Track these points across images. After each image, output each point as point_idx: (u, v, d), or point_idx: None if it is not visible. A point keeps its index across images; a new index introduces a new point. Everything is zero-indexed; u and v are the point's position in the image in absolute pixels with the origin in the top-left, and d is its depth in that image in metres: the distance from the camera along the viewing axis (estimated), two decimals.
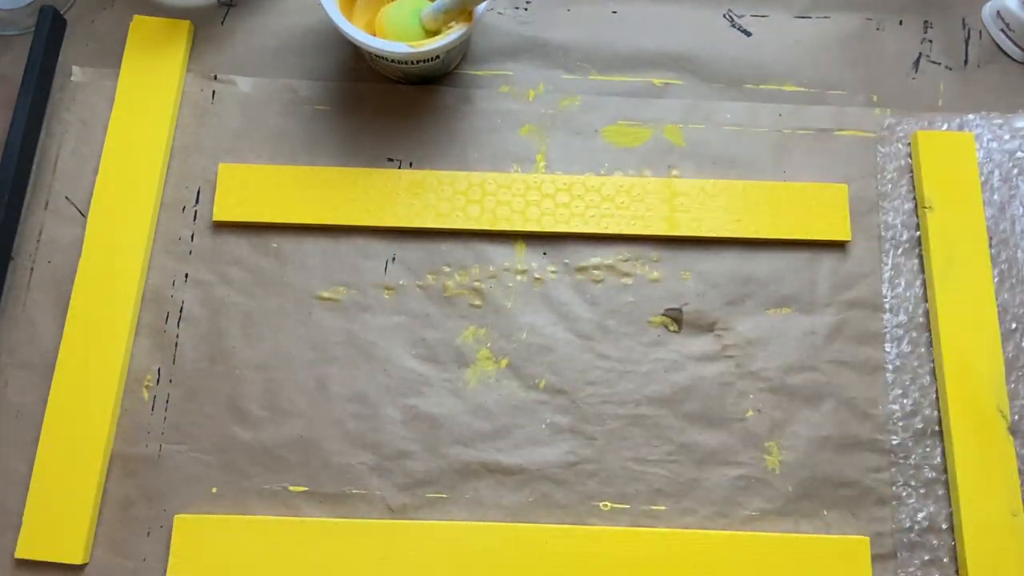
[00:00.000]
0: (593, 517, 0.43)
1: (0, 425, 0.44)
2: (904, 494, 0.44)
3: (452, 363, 0.45)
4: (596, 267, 0.47)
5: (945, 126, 0.50)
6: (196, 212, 0.47)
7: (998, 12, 0.51)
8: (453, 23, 0.45)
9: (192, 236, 0.47)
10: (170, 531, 0.42)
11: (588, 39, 0.51)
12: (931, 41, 0.52)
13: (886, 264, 0.47)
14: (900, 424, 0.45)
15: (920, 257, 0.48)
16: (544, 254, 0.47)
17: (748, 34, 0.52)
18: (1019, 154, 0.49)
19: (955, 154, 0.49)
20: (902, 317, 0.47)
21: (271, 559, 0.42)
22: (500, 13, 0.51)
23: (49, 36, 0.48)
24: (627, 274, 0.47)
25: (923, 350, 0.46)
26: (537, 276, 0.47)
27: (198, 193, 0.48)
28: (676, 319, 0.46)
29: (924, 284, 0.47)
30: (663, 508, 0.44)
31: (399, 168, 0.48)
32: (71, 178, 0.48)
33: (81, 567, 0.42)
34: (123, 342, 0.44)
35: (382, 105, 0.49)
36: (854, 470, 0.44)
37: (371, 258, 0.47)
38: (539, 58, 0.51)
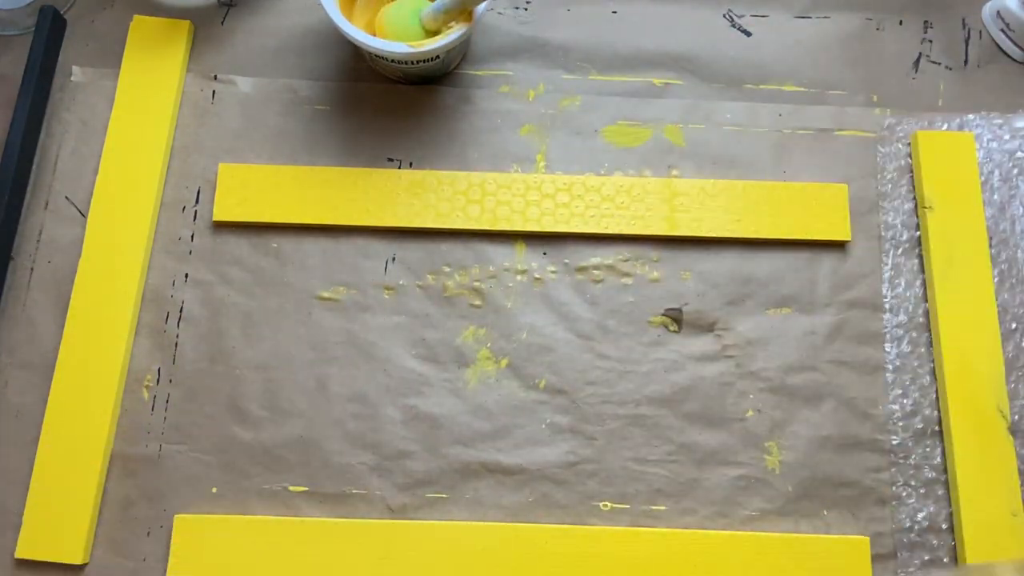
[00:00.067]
0: (593, 517, 0.43)
1: (0, 425, 0.44)
2: (904, 494, 0.44)
3: (452, 363, 0.45)
4: (596, 267, 0.47)
5: (945, 126, 0.50)
6: (196, 212, 0.47)
7: (998, 12, 0.51)
8: (453, 23, 0.45)
9: (192, 236, 0.47)
10: (170, 531, 0.42)
11: (588, 39, 0.51)
12: (931, 41, 0.52)
13: (886, 264, 0.47)
14: (900, 424, 0.45)
15: (920, 257, 0.48)
16: (544, 254, 0.47)
17: (748, 34, 0.52)
18: (1019, 154, 0.49)
19: (955, 154, 0.49)
20: (902, 317, 0.47)
21: (271, 559, 0.42)
22: (500, 13, 0.51)
23: (49, 36, 0.48)
24: (627, 274, 0.47)
25: (923, 350, 0.46)
26: (537, 276, 0.47)
27: (198, 193, 0.48)
28: (676, 319, 0.46)
29: (924, 284, 0.47)
30: (663, 508, 0.44)
31: (399, 168, 0.48)
32: (71, 178, 0.48)
33: (81, 567, 0.42)
34: (123, 342, 0.44)
35: (382, 105, 0.49)
36: (854, 470, 0.44)
37: (371, 258, 0.47)
38: (539, 58, 0.51)
